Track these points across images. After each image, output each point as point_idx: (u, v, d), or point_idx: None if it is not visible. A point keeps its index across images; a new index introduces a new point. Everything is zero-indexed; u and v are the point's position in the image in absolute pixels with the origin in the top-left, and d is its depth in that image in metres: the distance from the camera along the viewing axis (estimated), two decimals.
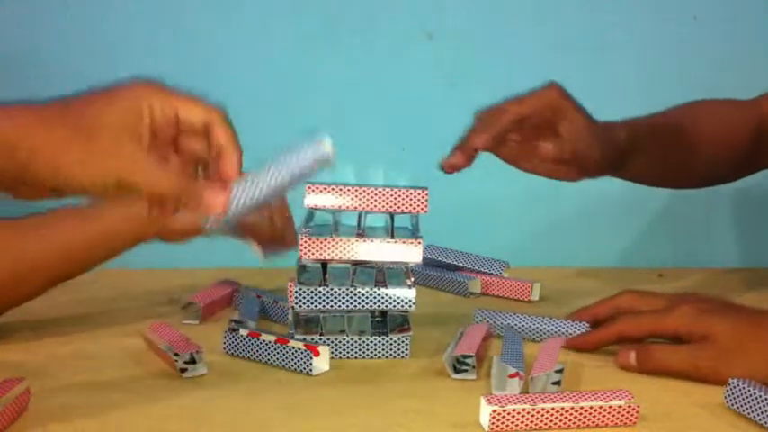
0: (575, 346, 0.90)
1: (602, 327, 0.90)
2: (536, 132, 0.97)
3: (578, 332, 0.92)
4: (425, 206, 0.87)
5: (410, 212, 0.87)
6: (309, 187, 0.87)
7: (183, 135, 0.70)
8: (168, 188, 0.67)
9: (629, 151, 1.03)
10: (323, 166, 0.73)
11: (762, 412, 0.72)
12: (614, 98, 1.36)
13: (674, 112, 1.11)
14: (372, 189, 0.86)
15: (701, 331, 0.83)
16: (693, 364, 0.82)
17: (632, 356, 0.85)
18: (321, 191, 0.87)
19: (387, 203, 0.87)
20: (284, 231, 1.00)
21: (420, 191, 0.87)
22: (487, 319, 0.96)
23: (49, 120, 0.65)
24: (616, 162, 1.02)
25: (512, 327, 0.94)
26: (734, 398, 0.75)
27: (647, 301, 0.91)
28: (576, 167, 0.99)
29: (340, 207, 0.87)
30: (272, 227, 0.98)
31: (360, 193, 0.86)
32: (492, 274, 1.16)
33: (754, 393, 0.73)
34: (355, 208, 0.87)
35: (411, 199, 0.87)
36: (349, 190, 0.86)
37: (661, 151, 1.07)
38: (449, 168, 0.94)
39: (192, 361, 0.82)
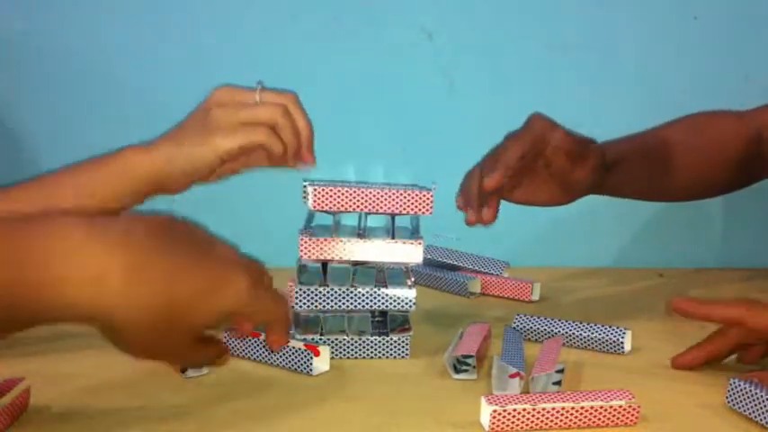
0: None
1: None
2: (528, 164, 0.96)
3: (619, 339, 0.91)
4: (430, 208, 0.87)
5: (414, 213, 0.87)
6: (314, 189, 0.86)
7: None
8: None
9: (612, 170, 1.02)
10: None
11: (763, 412, 0.72)
12: (614, 98, 1.37)
13: (666, 128, 1.10)
14: (376, 190, 0.86)
15: None
16: None
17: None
18: (325, 193, 0.86)
19: (391, 205, 0.86)
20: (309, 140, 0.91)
21: (425, 192, 0.87)
22: (525, 324, 0.95)
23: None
24: (598, 182, 1.01)
25: (554, 333, 0.93)
26: (735, 398, 0.75)
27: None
28: (564, 192, 0.99)
29: (344, 209, 0.86)
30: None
31: (364, 195, 0.86)
32: (492, 274, 1.16)
33: (756, 393, 0.73)
34: (360, 209, 0.87)
35: (415, 200, 0.87)
36: (353, 191, 0.86)
37: (644, 170, 1.06)
38: (475, 222, 0.94)
39: None
